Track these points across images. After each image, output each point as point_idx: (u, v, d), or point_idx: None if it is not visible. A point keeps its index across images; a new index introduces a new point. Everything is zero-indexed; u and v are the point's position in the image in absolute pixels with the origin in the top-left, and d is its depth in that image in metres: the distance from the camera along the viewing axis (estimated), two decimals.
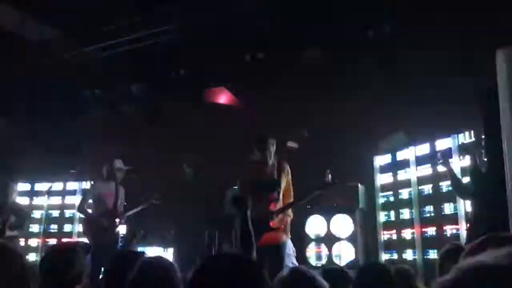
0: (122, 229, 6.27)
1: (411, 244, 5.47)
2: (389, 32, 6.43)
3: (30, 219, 6.32)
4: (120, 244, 5.97)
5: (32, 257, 7.30)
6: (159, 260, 2.22)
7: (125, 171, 5.94)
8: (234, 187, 5.80)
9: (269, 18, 6.71)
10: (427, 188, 5.46)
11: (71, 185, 7.59)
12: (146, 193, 5.96)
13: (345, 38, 6.83)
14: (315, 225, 6.00)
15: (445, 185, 5.17)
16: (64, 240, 7.02)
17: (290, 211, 4.57)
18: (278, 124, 6.99)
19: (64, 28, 7.15)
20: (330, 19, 6.52)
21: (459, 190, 4.52)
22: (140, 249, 6.81)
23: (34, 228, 7.69)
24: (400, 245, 5.62)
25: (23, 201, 7.80)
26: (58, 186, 7.30)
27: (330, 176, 4.50)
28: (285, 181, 4.61)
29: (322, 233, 5.96)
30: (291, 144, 6.75)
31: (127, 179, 6.13)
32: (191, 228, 6.48)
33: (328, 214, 5.92)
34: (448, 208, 5.18)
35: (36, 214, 7.76)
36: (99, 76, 8.19)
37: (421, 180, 5.55)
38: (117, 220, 5.75)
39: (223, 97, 8.04)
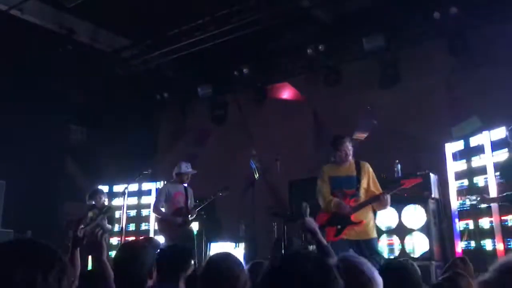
0: (195, 226, 6.47)
1: (489, 233, 5.18)
2: (456, 12, 6.15)
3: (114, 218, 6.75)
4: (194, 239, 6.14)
5: (114, 254, 7.75)
6: (226, 257, 2.30)
7: (191, 174, 6.15)
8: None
9: (327, 8, 6.65)
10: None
11: (146, 186, 7.96)
12: (210, 189, 6.13)
13: (410, 22, 6.62)
14: (385, 216, 5.85)
15: None
16: (138, 238, 7.37)
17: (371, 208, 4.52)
18: (343, 116, 6.90)
19: (132, 37, 7.51)
20: (394, 3, 6.34)
21: None
22: (214, 245, 7.02)
23: (115, 227, 8.15)
24: (477, 234, 5.34)
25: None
26: (133, 187, 7.69)
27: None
28: (366, 179, 4.57)
29: (394, 224, 5.80)
30: (357, 135, 6.63)
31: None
32: (261, 223, 6.56)
33: (398, 205, 5.74)
34: None
35: (115, 214, 8.22)
36: (166, 80, 8.52)
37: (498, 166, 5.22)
38: (190, 216, 5.95)
39: (287, 92, 8.06)
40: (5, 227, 7.13)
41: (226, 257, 2.37)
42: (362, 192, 4.55)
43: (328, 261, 1.63)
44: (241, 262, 2.32)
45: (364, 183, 4.57)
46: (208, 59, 7.71)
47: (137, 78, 8.13)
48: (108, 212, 6.64)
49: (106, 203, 6.78)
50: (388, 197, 4.42)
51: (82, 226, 6.54)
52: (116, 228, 7.09)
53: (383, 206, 4.51)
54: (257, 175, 6.26)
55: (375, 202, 4.50)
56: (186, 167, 6.18)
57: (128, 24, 6.97)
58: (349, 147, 4.62)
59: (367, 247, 4.35)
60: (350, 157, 4.63)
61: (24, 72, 7.53)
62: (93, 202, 6.70)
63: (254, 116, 8.08)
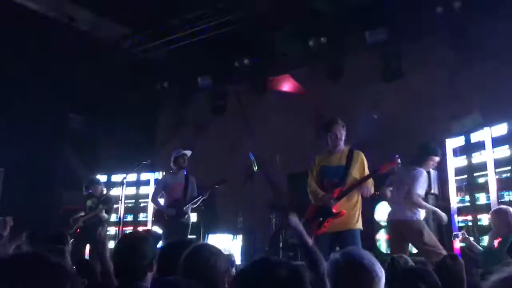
0: (193, 217, 6.44)
1: (488, 230, 5.17)
2: (460, 7, 6.11)
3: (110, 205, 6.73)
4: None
5: (111, 244, 7.75)
6: (206, 246, 2.30)
7: (185, 156, 6.08)
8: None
9: (329, 1, 6.60)
10: (506, 171, 5.12)
11: (145, 176, 7.94)
12: (209, 181, 6.09)
13: (413, 16, 6.58)
14: (384, 211, 5.84)
15: None
16: (139, 228, 7.37)
17: (356, 198, 4.48)
18: (344, 110, 6.86)
19: (132, 26, 7.45)
20: None
21: None
22: (211, 236, 7.02)
23: (112, 217, 8.13)
24: (476, 230, 5.34)
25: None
26: (132, 177, 7.67)
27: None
28: (357, 168, 4.48)
29: None
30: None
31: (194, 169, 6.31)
32: (259, 216, 6.55)
33: None
34: None
35: (113, 203, 8.20)
36: (167, 70, 8.47)
37: (499, 163, 5.21)
38: (184, 208, 5.90)
39: (288, 85, 8.02)
40: (3, 214, 7.11)
41: (206, 246, 2.36)
42: (349, 181, 4.46)
43: (300, 267, 1.62)
44: (220, 251, 2.32)
45: (355, 173, 4.47)
46: (209, 49, 7.66)
47: (137, 67, 8.08)
48: (106, 202, 6.63)
49: (104, 192, 6.77)
50: (368, 183, 4.38)
51: (82, 214, 6.57)
52: (114, 217, 7.09)
53: (364, 194, 4.43)
54: (256, 167, 6.23)
55: (354, 190, 4.45)
56: (180, 151, 6.14)
57: (129, 13, 6.91)
58: (341, 130, 4.54)
59: (348, 239, 4.27)
60: (342, 143, 4.56)
61: (24, 59, 7.46)
62: (91, 191, 6.69)
63: (254, 108, 8.04)
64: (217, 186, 5.96)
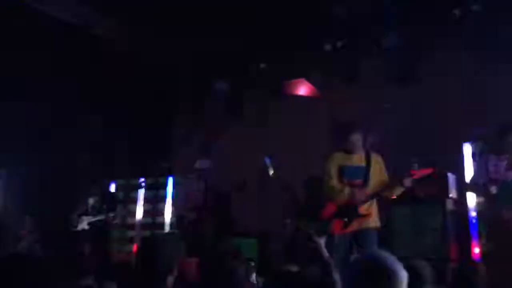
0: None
1: None
2: (478, 10, 6.07)
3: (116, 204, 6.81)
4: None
5: (130, 247, 7.86)
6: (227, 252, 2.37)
7: (205, 168, 6.17)
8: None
9: (346, 4, 6.60)
10: None
11: (163, 180, 8.03)
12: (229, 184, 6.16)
13: (429, 19, 6.55)
14: (400, 216, 5.82)
15: None
16: (157, 231, 7.45)
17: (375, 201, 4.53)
18: (359, 114, 6.86)
19: (146, 29, 7.53)
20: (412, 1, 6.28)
21: None
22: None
23: (131, 220, 8.25)
24: None
25: (119, 195, 8.38)
26: (150, 180, 7.75)
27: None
28: (377, 170, 4.56)
29: (409, 224, 5.77)
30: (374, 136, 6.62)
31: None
32: (275, 220, 6.57)
33: (414, 204, 5.72)
34: None
35: (132, 207, 8.31)
36: (183, 75, 8.54)
37: None
38: (206, 214, 5.95)
39: (303, 89, 8.03)
40: (25, 215, 7.28)
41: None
42: (372, 183, 4.50)
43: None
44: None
45: (375, 175, 4.53)
46: (225, 54, 7.71)
47: (154, 73, 8.17)
48: (109, 200, 6.72)
49: (103, 187, 6.85)
50: (396, 189, 4.40)
51: (88, 216, 6.64)
52: (134, 220, 7.20)
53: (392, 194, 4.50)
54: (272, 172, 6.26)
55: (386, 192, 4.48)
56: (201, 163, 6.21)
57: (143, 16, 6.99)
58: (358, 138, 4.58)
59: (367, 237, 4.34)
60: (360, 147, 4.60)
61: (43, 65, 7.60)
62: (92, 188, 6.77)
63: (270, 112, 8.07)
64: (236, 190, 6.00)
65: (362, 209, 4.41)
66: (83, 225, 6.58)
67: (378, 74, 7.02)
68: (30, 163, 7.50)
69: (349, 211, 4.41)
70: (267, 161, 6.23)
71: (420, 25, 6.67)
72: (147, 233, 7.39)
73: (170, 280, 2.50)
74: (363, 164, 4.55)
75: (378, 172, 4.57)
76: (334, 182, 4.58)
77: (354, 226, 4.41)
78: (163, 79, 8.53)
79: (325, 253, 2.45)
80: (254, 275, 2.87)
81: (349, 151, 4.62)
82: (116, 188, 8.51)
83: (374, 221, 4.49)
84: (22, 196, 7.59)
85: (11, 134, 7.47)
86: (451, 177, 5.81)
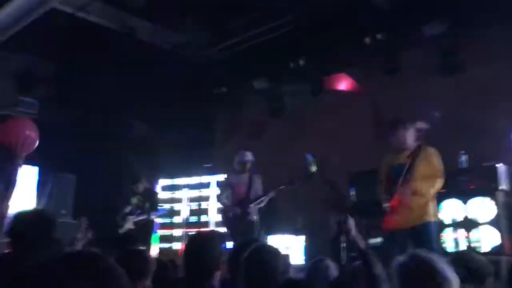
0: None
1: None
2: None
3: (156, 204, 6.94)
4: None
5: (177, 246, 8.04)
6: (265, 247, 2.38)
7: (250, 162, 6.18)
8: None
9: None
10: None
11: (206, 179, 8.16)
12: (272, 182, 6.15)
13: (473, 6, 6.33)
14: (450, 209, 5.66)
15: None
16: (203, 229, 7.57)
17: (425, 192, 4.41)
18: (402, 106, 6.72)
19: (189, 33, 7.66)
20: None
21: None
22: (271, 237, 7.07)
23: (178, 219, 8.43)
24: None
25: (165, 195, 8.59)
26: (195, 180, 7.90)
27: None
28: (423, 165, 4.45)
29: (459, 217, 5.61)
30: (420, 124, 6.46)
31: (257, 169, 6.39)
32: (320, 216, 6.54)
33: (464, 197, 5.55)
34: None
35: (177, 206, 8.49)
36: (224, 74, 8.63)
37: None
38: (250, 207, 5.98)
39: (344, 84, 7.95)
40: (77, 219, 7.53)
41: (261, 248, 2.42)
42: (416, 179, 4.40)
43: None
44: (278, 251, 2.37)
45: (419, 170, 4.42)
46: (264, 51, 7.74)
47: (195, 73, 8.29)
48: (150, 197, 6.87)
49: (146, 187, 7.00)
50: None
51: (127, 211, 6.79)
52: (180, 219, 7.34)
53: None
54: (314, 168, 6.22)
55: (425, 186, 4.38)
56: (246, 156, 6.22)
57: (185, 20, 7.11)
58: (405, 135, 4.50)
59: (421, 233, 4.26)
60: (408, 144, 4.52)
61: (90, 71, 7.87)
62: (135, 188, 6.92)
63: (310, 108, 8.03)
64: (283, 187, 5.98)
65: (410, 205, 4.33)
66: (129, 225, 6.77)
67: (421, 65, 6.86)
68: (80, 168, 7.78)
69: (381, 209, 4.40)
70: (309, 157, 6.20)
71: (464, 12, 6.46)
72: (192, 232, 7.52)
73: (216, 276, 2.55)
74: (406, 161, 4.47)
75: (424, 167, 4.46)
76: (380, 187, 4.58)
77: (406, 222, 4.35)
78: (205, 80, 8.66)
79: (361, 243, 2.44)
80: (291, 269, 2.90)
81: (397, 150, 4.56)
82: (161, 188, 8.74)
83: (430, 216, 4.40)
84: (73, 199, 7.88)
85: (59, 140, 7.77)
86: (501, 168, 5.59)
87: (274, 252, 2.32)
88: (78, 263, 1.02)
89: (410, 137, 4.54)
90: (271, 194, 6.02)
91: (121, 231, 6.78)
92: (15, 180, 2.95)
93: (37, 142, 3.14)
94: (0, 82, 4.53)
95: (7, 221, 2.70)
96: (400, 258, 1.91)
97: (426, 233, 4.31)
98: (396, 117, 4.72)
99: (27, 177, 7.73)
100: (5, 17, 3.99)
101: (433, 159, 4.52)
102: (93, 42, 7.21)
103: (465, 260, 2.59)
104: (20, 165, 2.97)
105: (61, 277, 0.97)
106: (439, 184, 4.47)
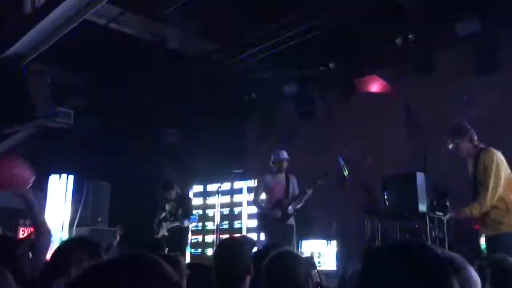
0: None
1: None
2: None
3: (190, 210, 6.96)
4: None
5: (209, 252, 8.08)
6: (284, 252, 2.33)
7: (286, 160, 6.09)
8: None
9: None
10: None
11: (238, 185, 8.18)
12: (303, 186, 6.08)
13: (508, 2, 6.14)
14: None
15: None
16: (235, 235, 7.58)
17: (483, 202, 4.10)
18: (436, 107, 6.57)
19: (219, 41, 7.73)
20: None
21: None
22: (305, 242, 7.01)
23: (209, 225, 8.48)
24: None
25: (197, 201, 8.66)
26: (226, 186, 7.93)
27: None
28: (480, 173, 4.14)
29: None
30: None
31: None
32: (353, 221, 6.44)
33: None
34: None
35: (209, 212, 8.55)
36: (253, 80, 8.66)
37: None
38: (289, 208, 5.88)
39: (375, 85, 7.84)
40: (113, 226, 7.67)
41: (280, 254, 2.39)
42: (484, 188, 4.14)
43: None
44: (298, 256, 2.34)
45: (479, 179, 4.17)
46: (294, 56, 7.72)
47: (226, 80, 8.35)
48: (183, 203, 6.89)
49: (179, 193, 7.03)
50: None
51: (162, 217, 6.85)
52: (211, 225, 7.37)
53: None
54: (347, 172, 6.14)
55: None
56: (282, 154, 6.14)
57: (214, 28, 7.18)
58: (459, 146, 4.27)
59: (496, 245, 4.01)
60: (468, 152, 4.29)
61: (122, 81, 8.03)
62: (168, 194, 6.95)
63: (342, 112, 7.95)
64: (320, 182, 5.88)
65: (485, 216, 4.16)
66: (163, 231, 6.84)
67: (455, 64, 6.69)
68: (114, 175, 7.92)
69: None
70: (341, 161, 6.13)
71: (499, 9, 6.27)
72: (224, 237, 7.54)
73: (247, 281, 2.54)
74: (472, 170, 4.26)
75: (481, 173, 4.16)
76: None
77: (489, 231, 4.19)
78: (235, 86, 8.71)
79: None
80: (315, 272, 2.85)
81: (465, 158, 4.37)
82: (193, 194, 8.82)
83: (507, 226, 4.06)
84: (108, 207, 8.03)
85: (94, 149, 7.95)
86: None
87: (295, 257, 2.30)
88: (137, 266, 1.01)
89: (464, 147, 4.31)
90: (309, 191, 5.88)
91: (157, 237, 6.87)
92: (33, 202, 2.99)
93: (32, 178, 3.11)
94: (39, 94, 4.69)
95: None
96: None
97: (505, 244, 3.91)
98: (455, 124, 4.49)
99: (63, 186, 7.95)
100: (39, 32, 4.12)
101: (484, 164, 4.18)
102: (125, 52, 7.36)
103: None
104: (27, 195, 3.01)
105: (120, 279, 0.98)
106: (486, 194, 4.12)
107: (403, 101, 7.28)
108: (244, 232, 7.71)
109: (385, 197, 5.60)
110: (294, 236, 5.94)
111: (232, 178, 7.10)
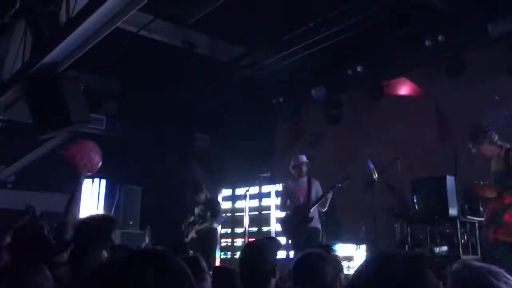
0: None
1: None
2: None
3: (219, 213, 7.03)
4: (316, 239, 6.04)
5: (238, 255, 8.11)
6: (313, 253, 2.34)
7: (305, 163, 6.11)
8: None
9: None
10: None
11: (266, 188, 8.21)
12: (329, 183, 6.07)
13: None
14: None
15: None
16: (261, 238, 7.59)
17: None
18: (467, 109, 6.44)
19: (247, 45, 7.80)
20: None
21: None
22: (335, 246, 6.96)
23: (239, 229, 8.53)
24: None
25: (226, 204, 8.73)
26: (254, 190, 7.97)
27: None
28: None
29: None
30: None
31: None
32: (382, 225, 6.37)
33: None
34: None
35: (238, 216, 8.60)
36: (281, 84, 8.69)
37: None
38: (311, 212, 5.88)
39: (405, 88, 7.74)
40: (144, 227, 7.84)
41: (309, 254, 2.39)
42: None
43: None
44: (327, 256, 2.34)
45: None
46: (322, 60, 7.71)
47: (254, 84, 8.41)
48: (212, 206, 6.96)
49: (208, 196, 7.10)
50: None
51: (191, 221, 6.92)
52: (240, 230, 7.41)
53: None
54: (376, 175, 6.08)
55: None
56: (300, 158, 6.16)
57: (243, 33, 7.25)
58: (481, 149, 4.24)
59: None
60: (492, 152, 4.24)
61: (153, 87, 8.21)
62: (197, 198, 7.04)
63: (371, 115, 7.88)
64: (340, 185, 5.87)
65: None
66: (192, 233, 6.94)
67: (487, 64, 6.55)
68: (145, 179, 8.08)
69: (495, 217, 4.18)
70: (370, 165, 6.08)
71: None
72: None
73: (272, 282, 2.56)
74: (502, 168, 4.17)
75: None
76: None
77: (505, 237, 4.07)
78: (263, 90, 8.75)
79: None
80: (342, 275, 2.84)
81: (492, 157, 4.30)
82: (222, 198, 8.90)
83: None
84: (139, 210, 8.19)
85: (126, 154, 8.13)
86: None
87: (323, 257, 2.31)
88: (150, 259, 1.06)
89: (485, 149, 4.24)
90: (329, 195, 5.89)
91: (186, 240, 6.97)
92: (79, 195, 3.14)
93: (100, 164, 3.34)
94: (74, 101, 4.86)
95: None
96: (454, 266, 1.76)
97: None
98: (473, 128, 4.41)
99: (95, 191, 8.16)
100: (73, 41, 4.26)
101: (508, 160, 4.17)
102: (155, 58, 7.52)
103: None
104: (82, 183, 3.18)
105: (135, 271, 1.01)
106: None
107: (433, 103, 7.17)
108: (272, 235, 7.72)
109: (415, 200, 5.53)
110: (321, 239, 5.92)
111: (260, 182, 7.12)
